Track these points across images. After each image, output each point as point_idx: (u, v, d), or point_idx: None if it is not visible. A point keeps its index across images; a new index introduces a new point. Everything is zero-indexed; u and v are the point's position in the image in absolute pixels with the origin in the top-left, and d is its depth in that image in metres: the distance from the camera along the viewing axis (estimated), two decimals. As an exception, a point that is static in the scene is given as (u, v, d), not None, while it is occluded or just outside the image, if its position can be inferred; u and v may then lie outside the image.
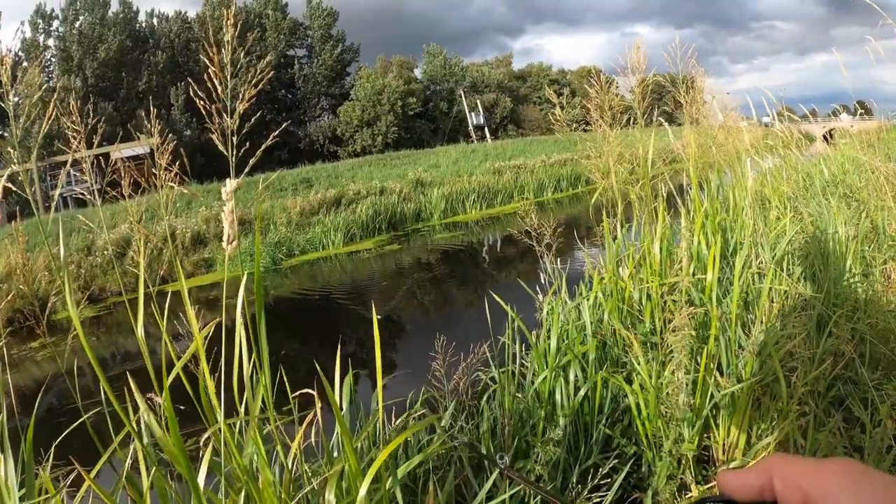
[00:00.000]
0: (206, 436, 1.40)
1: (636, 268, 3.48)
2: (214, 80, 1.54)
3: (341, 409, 2.18)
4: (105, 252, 14.87)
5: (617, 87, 4.01)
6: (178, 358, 1.55)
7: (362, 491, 1.48)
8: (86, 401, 2.25)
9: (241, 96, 1.59)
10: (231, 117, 1.55)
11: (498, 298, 3.35)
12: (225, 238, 1.43)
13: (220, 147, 1.60)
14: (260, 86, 1.61)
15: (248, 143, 1.63)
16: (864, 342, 3.15)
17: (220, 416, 1.52)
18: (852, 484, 0.43)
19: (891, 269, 4.12)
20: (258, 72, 1.62)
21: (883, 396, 2.72)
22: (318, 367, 2.12)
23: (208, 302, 12.09)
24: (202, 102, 1.57)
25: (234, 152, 1.57)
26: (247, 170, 1.54)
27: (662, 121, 4.38)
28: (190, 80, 1.73)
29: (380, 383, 1.92)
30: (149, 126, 2.04)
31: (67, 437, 2.09)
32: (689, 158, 3.99)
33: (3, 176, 1.66)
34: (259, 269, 1.50)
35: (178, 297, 1.75)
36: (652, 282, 3.23)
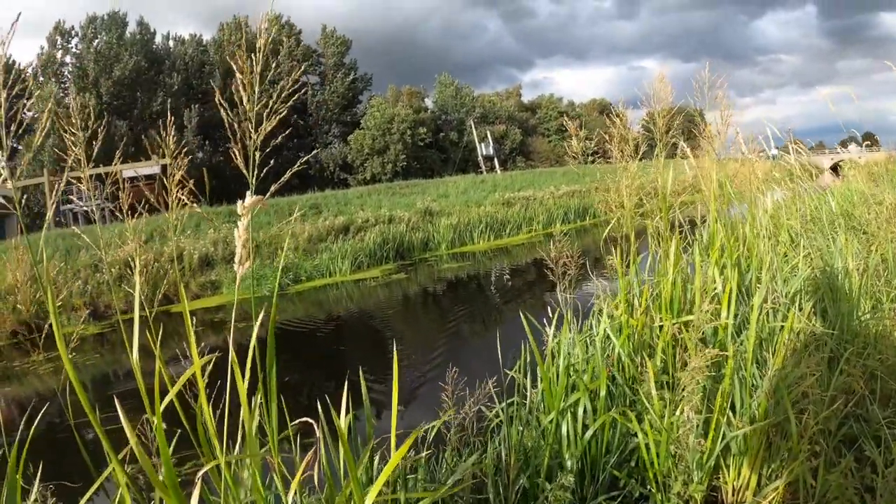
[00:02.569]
0: (201, 473, 1.35)
1: (649, 303, 3.43)
2: (242, 92, 1.52)
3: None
4: (112, 270, 14.90)
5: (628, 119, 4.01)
6: (173, 383, 1.51)
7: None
8: (82, 419, 2.20)
9: (270, 110, 1.56)
10: (256, 131, 1.53)
11: (502, 330, 3.30)
12: (237, 258, 1.39)
13: (240, 165, 1.57)
14: (290, 101, 1.59)
15: (267, 165, 1.60)
16: (875, 379, 3.09)
17: (221, 456, 1.47)
18: None
19: None
20: (282, 90, 1.59)
21: (895, 434, 2.66)
22: (320, 396, 2.08)
23: (213, 324, 12.04)
24: (226, 117, 1.56)
25: (255, 171, 1.55)
26: (269, 193, 1.50)
27: (686, 149, 4.37)
28: (214, 92, 1.69)
29: (394, 413, 1.86)
30: (161, 146, 2.02)
31: (63, 455, 2.04)
32: (709, 190, 3.95)
33: (17, 188, 1.63)
34: (276, 296, 1.47)
35: (183, 318, 1.71)
36: (666, 318, 3.18)
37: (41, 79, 37.44)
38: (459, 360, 2.52)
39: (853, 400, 2.90)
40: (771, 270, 3.84)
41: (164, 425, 1.45)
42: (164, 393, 1.48)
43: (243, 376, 1.55)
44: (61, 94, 36.50)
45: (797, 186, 6.55)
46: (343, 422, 1.73)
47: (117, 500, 1.67)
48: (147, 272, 15.89)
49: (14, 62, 2.00)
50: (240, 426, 1.79)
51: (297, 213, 19.36)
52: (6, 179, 1.49)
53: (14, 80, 1.54)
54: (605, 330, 3.26)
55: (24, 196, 1.76)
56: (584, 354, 3.23)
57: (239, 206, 1.36)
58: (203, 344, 1.62)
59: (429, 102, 57.63)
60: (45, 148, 27.28)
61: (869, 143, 10.47)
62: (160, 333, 1.72)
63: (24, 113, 1.59)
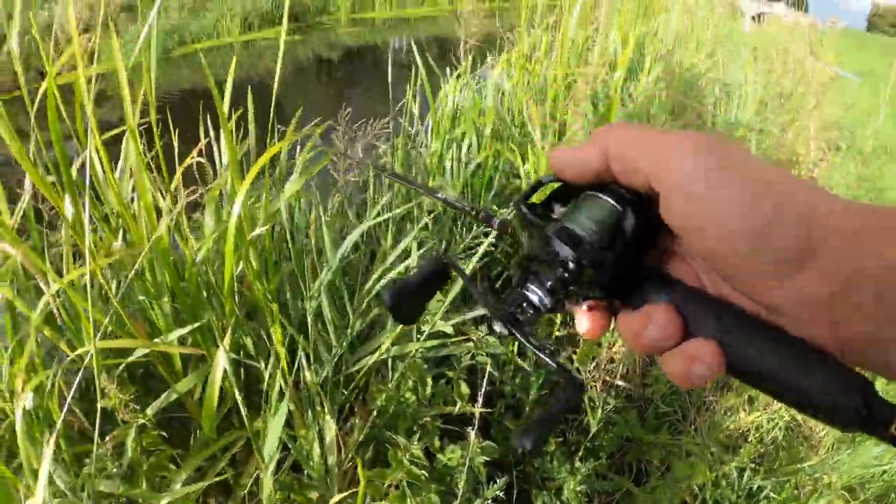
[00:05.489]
0: (80, 158, 1.24)
1: (546, 55, 3.39)
2: None
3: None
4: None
5: None
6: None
7: (236, 206, 1.39)
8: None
9: None
10: None
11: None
12: None
13: None
14: None
15: None
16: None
17: (97, 137, 1.35)
18: (707, 149, 0.35)
19: (788, 132, 4.28)
20: None
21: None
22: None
23: (97, 99, 11.11)
24: None
25: None
26: None
27: None
28: None
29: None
30: None
31: None
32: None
33: None
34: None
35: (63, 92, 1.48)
36: (560, 69, 3.16)
37: None
38: (355, 117, 2.42)
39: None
40: (672, 60, 3.87)
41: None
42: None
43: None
44: None
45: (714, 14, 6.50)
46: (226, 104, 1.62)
47: None
48: (19, 44, 14.12)
49: None
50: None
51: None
52: None
53: None
54: (498, 77, 3.22)
55: None
56: (477, 100, 3.20)
57: None
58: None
59: None
60: None
61: (798, 5, 10.44)
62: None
63: None
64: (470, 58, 3.19)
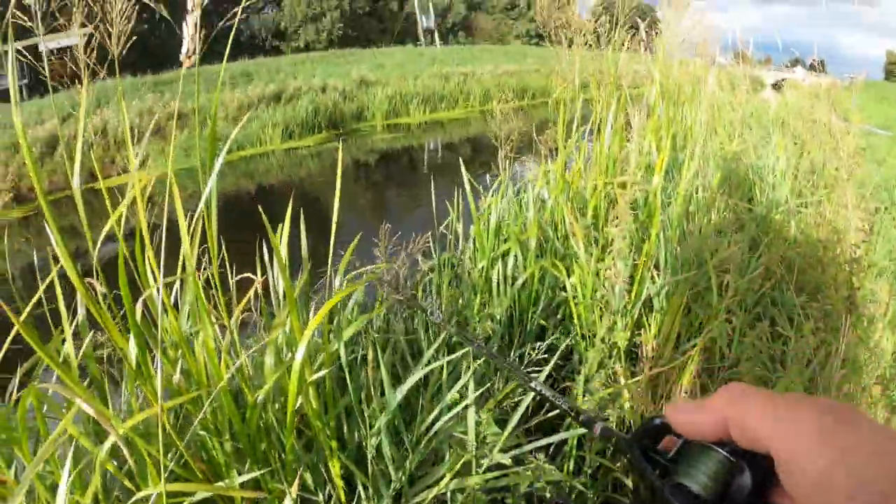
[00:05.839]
0: (142, 299, 1.32)
1: (585, 166, 3.48)
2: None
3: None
4: (33, 150, 14.00)
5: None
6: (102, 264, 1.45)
7: (300, 351, 1.43)
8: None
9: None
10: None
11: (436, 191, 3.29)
12: (185, 49, 1.31)
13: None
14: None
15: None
16: (792, 269, 3.22)
17: (160, 278, 1.43)
18: (833, 429, 0.36)
19: (825, 206, 4.24)
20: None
21: (808, 315, 2.81)
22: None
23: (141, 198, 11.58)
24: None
25: None
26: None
27: (643, 34, 4.35)
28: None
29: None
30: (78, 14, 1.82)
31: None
32: (655, 69, 3.95)
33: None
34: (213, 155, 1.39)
35: (112, 194, 1.60)
36: (599, 178, 3.23)
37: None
38: (396, 222, 2.51)
39: (772, 281, 3.05)
40: (705, 151, 3.93)
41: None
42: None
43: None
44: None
45: (738, 92, 6.64)
46: (283, 247, 1.69)
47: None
48: (70, 149, 14.91)
49: None
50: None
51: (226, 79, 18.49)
52: None
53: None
54: (540, 189, 3.30)
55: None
56: (519, 212, 3.27)
57: (189, 3, 1.27)
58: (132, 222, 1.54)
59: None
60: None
61: (816, 68, 10.65)
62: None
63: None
64: (508, 167, 3.29)
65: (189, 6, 1.32)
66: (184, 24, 1.34)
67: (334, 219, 1.75)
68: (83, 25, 1.83)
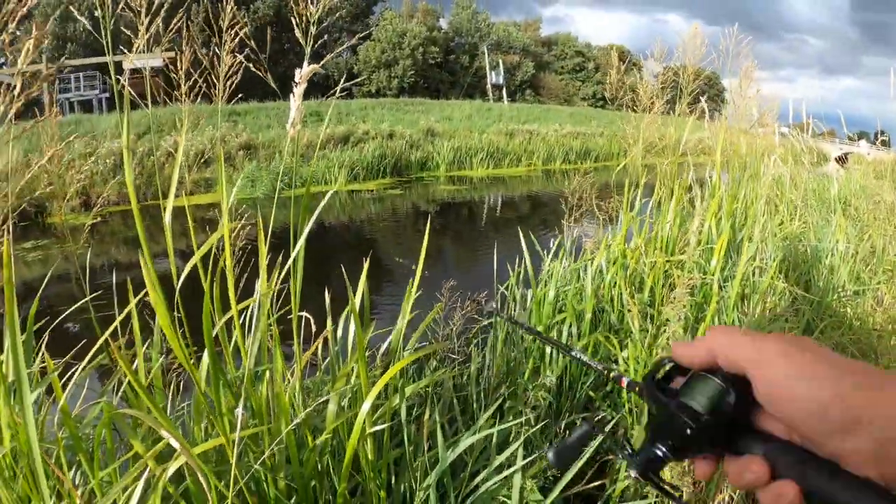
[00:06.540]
0: (218, 325, 1.43)
1: (645, 242, 3.52)
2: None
3: (336, 343, 2.22)
4: (107, 161, 14.76)
5: (641, 70, 4.09)
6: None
7: (366, 405, 1.52)
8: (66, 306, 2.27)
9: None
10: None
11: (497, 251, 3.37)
12: (290, 120, 1.46)
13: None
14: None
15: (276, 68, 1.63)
16: (846, 354, 3.17)
17: (235, 312, 1.55)
18: (786, 352, 0.50)
19: (883, 293, 4.18)
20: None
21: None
22: (310, 307, 2.15)
23: (203, 221, 12.05)
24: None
25: (311, 42, 1.58)
26: (322, 63, 1.53)
27: (705, 107, 4.40)
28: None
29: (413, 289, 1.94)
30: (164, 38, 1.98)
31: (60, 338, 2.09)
32: (717, 146, 4.00)
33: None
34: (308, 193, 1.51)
35: (176, 212, 1.74)
36: (658, 257, 3.27)
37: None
38: (454, 276, 2.60)
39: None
40: (764, 233, 3.93)
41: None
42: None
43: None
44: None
45: (801, 167, 6.62)
46: (358, 298, 1.80)
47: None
48: (142, 165, 15.80)
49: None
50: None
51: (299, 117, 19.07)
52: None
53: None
54: (599, 261, 3.35)
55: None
56: (577, 282, 3.32)
57: (297, 75, 1.42)
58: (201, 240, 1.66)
59: (443, 23, 56.30)
60: (46, 35, 26.28)
61: (880, 141, 10.42)
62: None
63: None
64: (572, 233, 3.37)
65: (296, 78, 1.46)
66: (291, 97, 1.47)
67: (418, 274, 1.84)
68: (168, 50, 2.01)
